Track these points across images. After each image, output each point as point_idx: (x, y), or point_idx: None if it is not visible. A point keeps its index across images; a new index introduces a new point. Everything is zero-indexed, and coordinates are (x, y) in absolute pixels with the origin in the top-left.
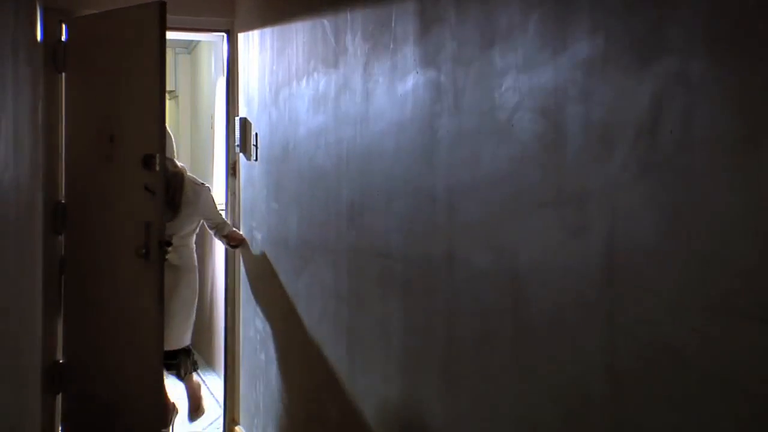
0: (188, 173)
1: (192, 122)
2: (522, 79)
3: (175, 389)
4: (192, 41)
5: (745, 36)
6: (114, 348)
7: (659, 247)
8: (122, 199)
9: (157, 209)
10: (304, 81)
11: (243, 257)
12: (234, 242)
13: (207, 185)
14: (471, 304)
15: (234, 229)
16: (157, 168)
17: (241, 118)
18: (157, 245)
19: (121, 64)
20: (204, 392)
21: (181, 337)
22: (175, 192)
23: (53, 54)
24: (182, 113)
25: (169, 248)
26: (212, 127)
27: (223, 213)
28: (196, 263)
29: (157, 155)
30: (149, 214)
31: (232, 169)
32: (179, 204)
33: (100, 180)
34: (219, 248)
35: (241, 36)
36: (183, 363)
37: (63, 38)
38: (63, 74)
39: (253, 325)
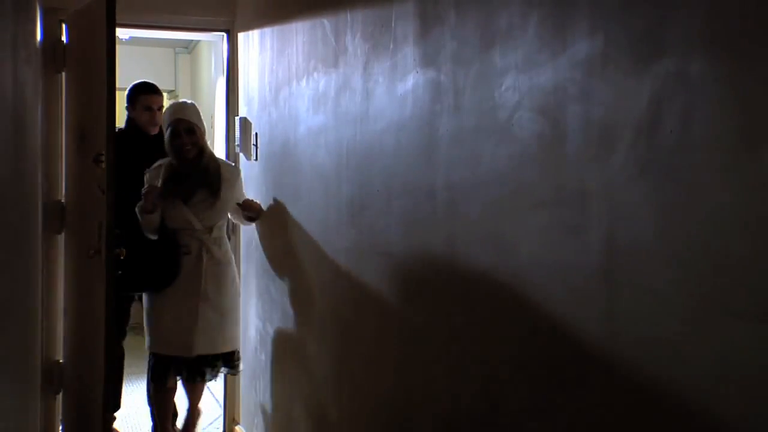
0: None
1: None
2: (522, 79)
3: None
4: (192, 41)
5: (745, 36)
6: (82, 350)
7: (658, 246)
8: (89, 199)
9: (107, 209)
10: (304, 81)
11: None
12: (251, 212)
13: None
14: (471, 302)
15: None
16: (103, 166)
17: (241, 118)
18: (105, 246)
19: (91, 60)
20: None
21: (234, 338)
22: (214, 175)
23: (53, 54)
24: None
25: (124, 250)
26: (212, 127)
27: None
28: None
29: (103, 153)
30: (101, 214)
31: None
32: (221, 188)
33: (81, 180)
34: None
35: (241, 36)
36: (217, 369)
37: (63, 38)
38: (63, 74)
39: (253, 324)
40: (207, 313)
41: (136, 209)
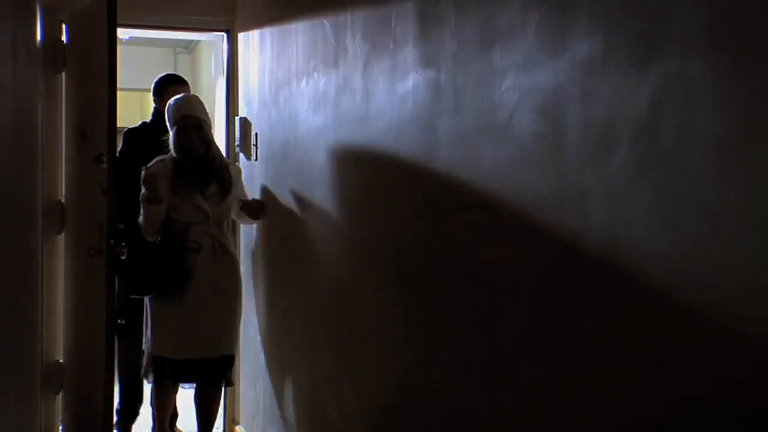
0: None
1: None
2: (522, 79)
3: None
4: (192, 41)
5: (745, 36)
6: (82, 350)
7: (658, 247)
8: (89, 199)
9: (108, 209)
10: (304, 81)
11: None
12: (254, 213)
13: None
14: (471, 303)
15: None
16: (104, 166)
17: (241, 118)
18: (106, 246)
19: (91, 60)
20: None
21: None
22: (224, 171)
23: (53, 54)
24: None
25: (123, 248)
26: (212, 128)
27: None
28: None
29: (104, 153)
30: (102, 214)
31: None
32: (231, 183)
33: (81, 180)
34: None
35: (241, 36)
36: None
37: (63, 38)
38: (63, 74)
39: (253, 325)
40: (228, 310)
41: (140, 199)
